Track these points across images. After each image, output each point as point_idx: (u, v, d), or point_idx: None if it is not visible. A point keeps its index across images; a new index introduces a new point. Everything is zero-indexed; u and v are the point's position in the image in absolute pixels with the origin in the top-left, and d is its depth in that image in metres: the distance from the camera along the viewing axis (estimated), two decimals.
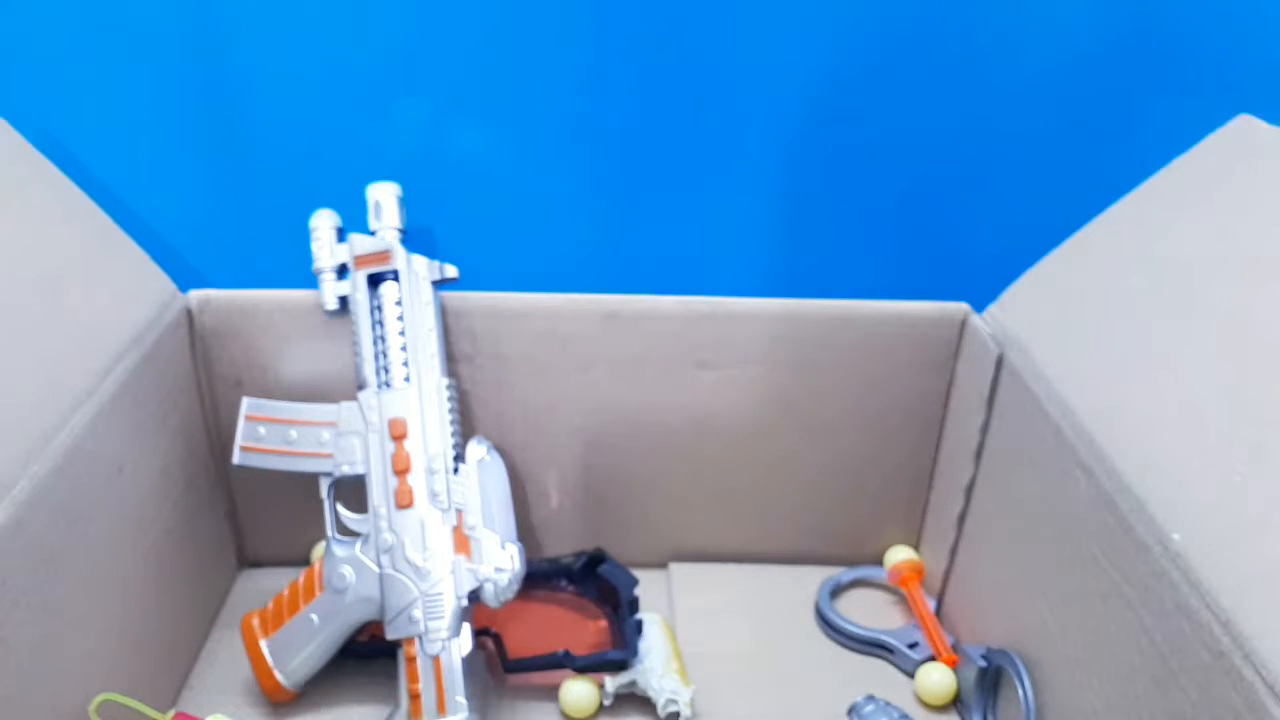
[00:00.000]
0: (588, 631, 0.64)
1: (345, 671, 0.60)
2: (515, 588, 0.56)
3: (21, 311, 0.50)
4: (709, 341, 0.64)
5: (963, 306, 0.63)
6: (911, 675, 0.63)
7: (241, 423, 0.60)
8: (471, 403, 0.65)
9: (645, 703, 0.60)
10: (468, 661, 0.56)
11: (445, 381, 0.59)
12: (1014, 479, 0.57)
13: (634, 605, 0.62)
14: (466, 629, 0.56)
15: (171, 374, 0.61)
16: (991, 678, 0.58)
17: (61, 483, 0.47)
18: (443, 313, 0.62)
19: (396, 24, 0.61)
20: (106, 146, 0.63)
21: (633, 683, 0.60)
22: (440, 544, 0.57)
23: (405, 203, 0.61)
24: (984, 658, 0.57)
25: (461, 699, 0.55)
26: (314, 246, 0.61)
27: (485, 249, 0.65)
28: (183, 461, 0.62)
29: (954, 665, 0.61)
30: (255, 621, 0.60)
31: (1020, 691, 0.53)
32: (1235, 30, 0.62)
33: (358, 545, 0.59)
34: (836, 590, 0.70)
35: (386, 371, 0.59)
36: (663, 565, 0.72)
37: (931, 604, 0.67)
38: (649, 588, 0.65)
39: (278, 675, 0.59)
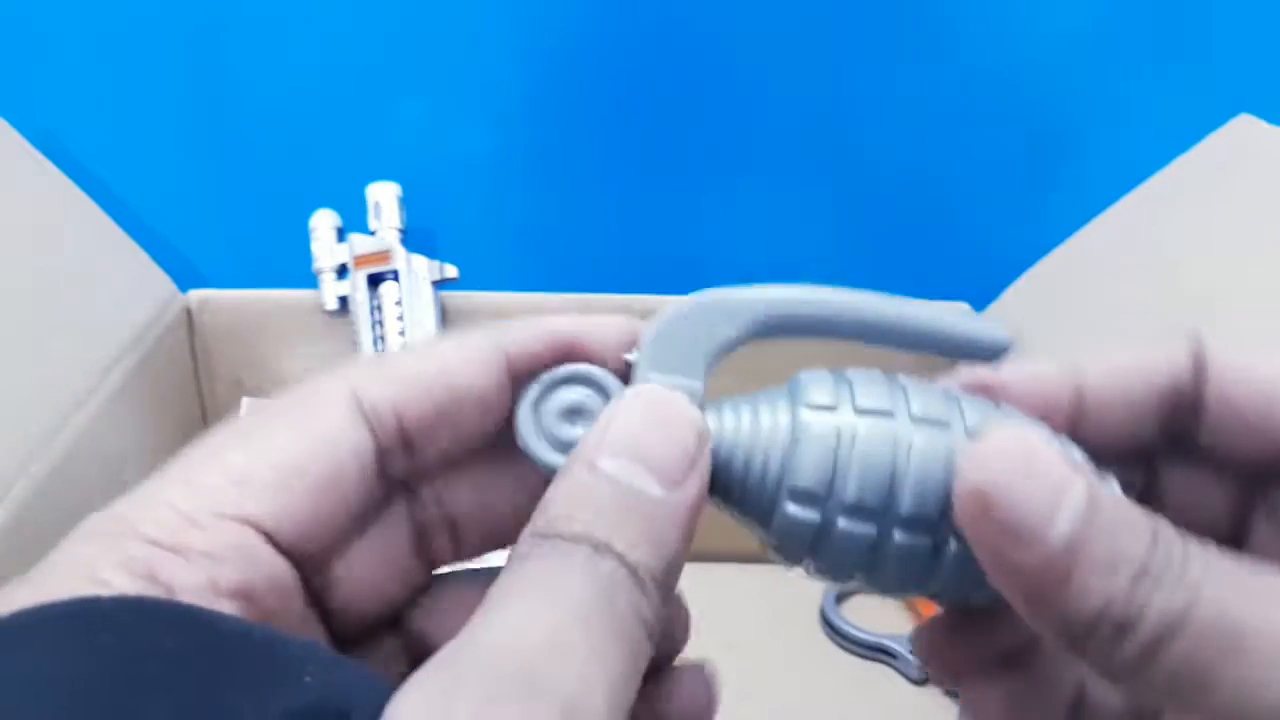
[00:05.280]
0: None
1: None
2: None
3: (21, 311, 0.50)
4: None
5: (962, 306, 0.63)
6: (915, 682, 0.62)
7: None
8: None
9: None
10: None
11: None
12: None
13: None
14: None
15: (171, 374, 0.61)
16: None
17: (61, 483, 0.47)
18: (443, 313, 0.62)
19: (397, 24, 0.61)
20: (106, 146, 0.63)
21: None
22: None
23: (405, 203, 0.61)
24: None
25: None
26: (314, 246, 0.61)
27: (485, 249, 0.65)
28: None
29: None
30: None
31: None
32: (1235, 30, 0.62)
33: None
34: (842, 595, 0.69)
35: None
36: None
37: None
38: None
39: None
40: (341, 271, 0.61)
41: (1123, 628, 0.16)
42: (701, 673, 0.21)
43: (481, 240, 0.66)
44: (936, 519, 0.19)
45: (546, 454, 0.20)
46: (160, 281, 0.62)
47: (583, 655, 0.15)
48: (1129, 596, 0.16)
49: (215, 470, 0.18)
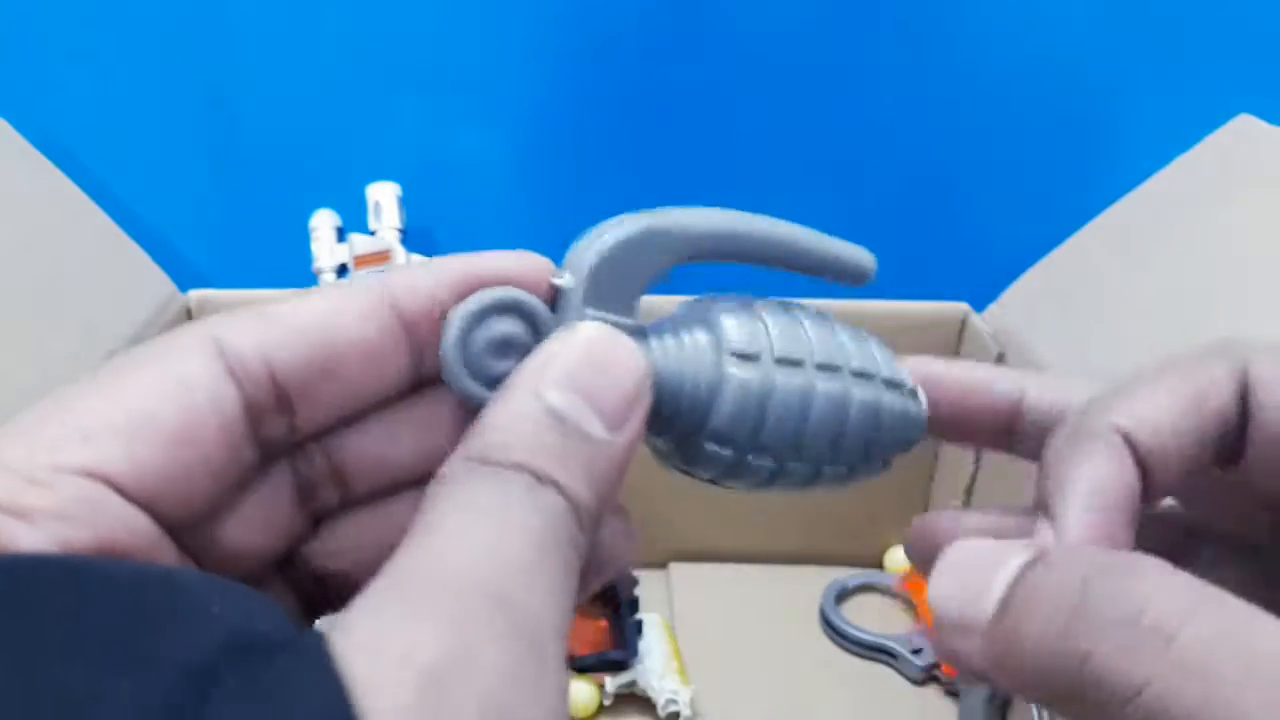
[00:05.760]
0: (588, 631, 0.64)
1: None
2: None
3: (21, 311, 0.50)
4: None
5: (963, 306, 0.63)
6: (915, 682, 0.62)
7: None
8: None
9: (645, 703, 0.60)
10: None
11: None
12: (1014, 479, 0.57)
13: (634, 605, 0.62)
14: None
15: None
16: (999, 705, 0.57)
17: None
18: None
19: (396, 24, 0.61)
20: (106, 146, 0.63)
21: (633, 683, 0.59)
22: None
23: (405, 203, 0.62)
24: None
25: None
26: (314, 246, 0.61)
27: (485, 249, 0.65)
28: None
29: (955, 675, 0.61)
30: None
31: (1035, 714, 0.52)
32: (1235, 30, 0.62)
33: None
34: (842, 594, 0.69)
35: None
36: (663, 565, 0.72)
37: None
38: (649, 588, 0.65)
39: None
40: (341, 271, 0.61)
41: (1063, 674, 0.15)
42: (618, 518, 0.21)
43: (481, 240, 0.66)
44: (827, 452, 0.22)
45: (477, 390, 0.19)
46: (160, 281, 0.62)
47: (542, 580, 0.16)
48: (1063, 641, 0.15)
49: (59, 422, 0.16)
